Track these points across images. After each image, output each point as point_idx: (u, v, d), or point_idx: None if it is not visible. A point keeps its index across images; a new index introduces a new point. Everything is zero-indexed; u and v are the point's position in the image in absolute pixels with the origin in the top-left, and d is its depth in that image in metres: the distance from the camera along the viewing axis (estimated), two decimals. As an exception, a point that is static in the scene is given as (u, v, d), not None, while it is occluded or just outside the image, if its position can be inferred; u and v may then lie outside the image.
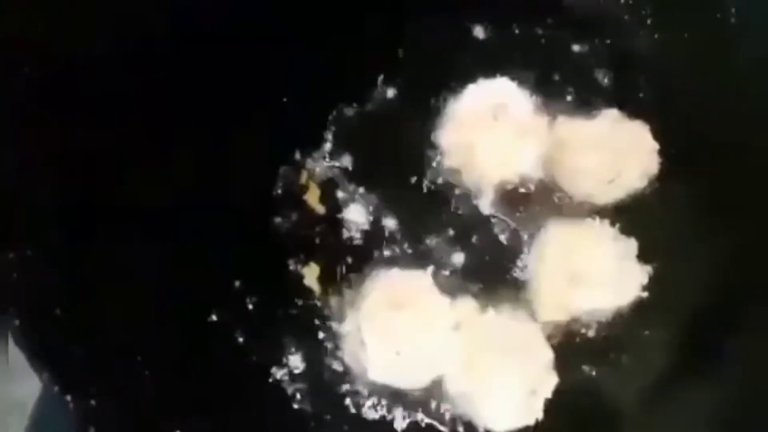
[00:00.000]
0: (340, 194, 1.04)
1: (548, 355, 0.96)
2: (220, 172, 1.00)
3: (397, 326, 0.94)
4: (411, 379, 0.95)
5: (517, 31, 1.11)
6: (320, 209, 1.03)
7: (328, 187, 1.04)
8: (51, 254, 0.80)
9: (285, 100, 1.06)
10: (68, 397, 0.73)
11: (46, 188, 0.83)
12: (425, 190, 1.04)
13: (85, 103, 0.87)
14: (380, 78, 1.08)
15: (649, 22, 1.09)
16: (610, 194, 1.03)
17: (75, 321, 0.78)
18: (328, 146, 1.06)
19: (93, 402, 0.74)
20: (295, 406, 0.96)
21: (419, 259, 1.01)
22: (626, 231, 1.01)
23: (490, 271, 1.01)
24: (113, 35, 0.90)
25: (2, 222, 0.77)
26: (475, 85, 1.06)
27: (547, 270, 0.99)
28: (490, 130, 1.03)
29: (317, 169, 1.05)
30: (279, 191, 1.03)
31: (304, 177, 1.04)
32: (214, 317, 0.96)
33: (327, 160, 1.05)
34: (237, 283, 0.98)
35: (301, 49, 1.04)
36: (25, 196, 0.80)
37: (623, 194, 1.03)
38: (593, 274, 0.98)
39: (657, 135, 1.03)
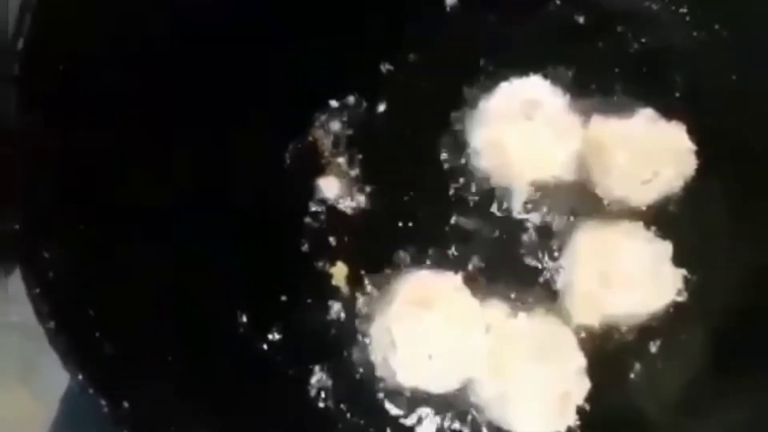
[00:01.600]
0: (364, 194, 1.03)
1: (580, 359, 0.94)
2: (219, 171, 1.00)
3: (427, 328, 0.93)
4: (440, 382, 0.94)
5: (549, 29, 1.09)
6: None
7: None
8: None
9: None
10: (102, 400, 0.72)
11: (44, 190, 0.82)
12: (455, 191, 1.03)
13: (85, 103, 0.86)
14: (405, 75, 1.07)
15: (687, 19, 1.07)
16: (645, 195, 1.01)
17: (110, 320, 0.77)
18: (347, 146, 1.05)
19: (126, 404, 0.73)
20: (321, 407, 0.95)
21: (449, 259, 1.00)
22: (661, 233, 0.99)
23: (522, 273, 1.00)
24: (113, 35, 0.89)
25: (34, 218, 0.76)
26: (508, 83, 1.04)
27: (580, 272, 0.97)
28: (523, 130, 1.01)
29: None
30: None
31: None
32: (243, 319, 0.95)
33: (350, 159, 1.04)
34: (265, 284, 0.97)
35: (307, 47, 1.04)
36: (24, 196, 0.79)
37: (658, 195, 1.01)
38: (627, 277, 0.96)
39: (693, 135, 1.01)
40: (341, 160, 1.03)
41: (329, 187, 1.03)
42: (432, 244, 1.00)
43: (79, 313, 0.76)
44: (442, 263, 0.99)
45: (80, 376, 0.73)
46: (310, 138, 1.04)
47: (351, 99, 1.05)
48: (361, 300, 0.98)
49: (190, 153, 0.96)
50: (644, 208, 1.01)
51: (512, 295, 0.98)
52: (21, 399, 0.99)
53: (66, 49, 0.82)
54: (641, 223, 0.99)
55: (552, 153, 1.02)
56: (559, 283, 0.99)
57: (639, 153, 1.00)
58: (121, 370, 0.76)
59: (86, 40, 0.85)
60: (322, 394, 0.95)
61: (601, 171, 1.01)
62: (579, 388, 0.93)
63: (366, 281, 0.99)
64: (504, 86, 1.04)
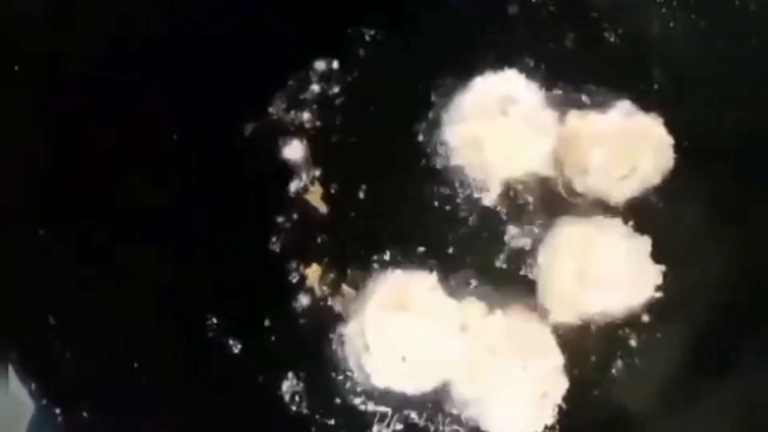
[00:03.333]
0: (342, 193, 1.01)
1: (558, 357, 0.92)
2: (219, 171, 0.99)
3: (401, 329, 0.91)
4: (415, 383, 0.92)
5: (524, 22, 1.07)
6: (322, 208, 1.00)
7: (330, 186, 1.01)
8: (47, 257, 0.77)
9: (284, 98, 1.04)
10: (57, 410, 0.70)
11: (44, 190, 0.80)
12: (430, 188, 1.01)
13: (85, 103, 0.86)
14: (381, 72, 1.05)
15: (663, 11, 1.06)
16: (623, 191, 1.00)
17: (67, 329, 0.75)
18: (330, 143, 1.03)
19: (85, 414, 0.71)
20: (295, 410, 0.93)
21: (424, 259, 0.98)
22: (639, 229, 0.97)
23: (498, 271, 0.98)
24: (113, 35, 0.88)
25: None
26: (483, 77, 1.03)
27: (558, 269, 0.96)
28: (498, 125, 1.00)
29: (319, 168, 1.02)
30: (280, 190, 1.00)
31: (306, 177, 1.01)
32: (213, 320, 0.93)
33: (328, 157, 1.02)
34: (237, 286, 0.96)
35: (299, 47, 1.03)
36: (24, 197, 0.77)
37: (636, 191, 1.00)
38: (605, 273, 0.94)
39: (671, 128, 0.99)
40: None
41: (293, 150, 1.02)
42: (406, 243, 0.99)
43: (37, 320, 0.74)
44: (417, 263, 0.98)
45: (32, 386, 0.70)
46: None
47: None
48: (334, 301, 0.96)
49: (189, 153, 0.96)
50: (622, 204, 1.00)
51: (489, 293, 0.96)
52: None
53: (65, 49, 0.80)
54: (619, 219, 0.98)
55: (528, 149, 1.01)
56: (536, 280, 0.97)
57: (616, 148, 0.99)
58: (82, 378, 0.74)
59: (86, 40, 0.86)
60: (296, 398, 0.93)
61: (578, 166, 1.00)
62: (557, 386, 0.92)
63: (340, 282, 0.97)
64: (479, 81, 1.03)
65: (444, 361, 0.92)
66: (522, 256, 0.98)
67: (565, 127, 1.01)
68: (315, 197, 1.01)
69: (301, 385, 0.93)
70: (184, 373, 0.88)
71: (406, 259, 0.98)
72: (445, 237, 0.99)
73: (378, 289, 0.94)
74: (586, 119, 1.01)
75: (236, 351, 0.94)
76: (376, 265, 0.98)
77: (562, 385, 0.92)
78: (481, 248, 0.99)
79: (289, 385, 0.93)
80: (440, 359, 0.92)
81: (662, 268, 0.95)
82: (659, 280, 0.95)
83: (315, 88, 1.05)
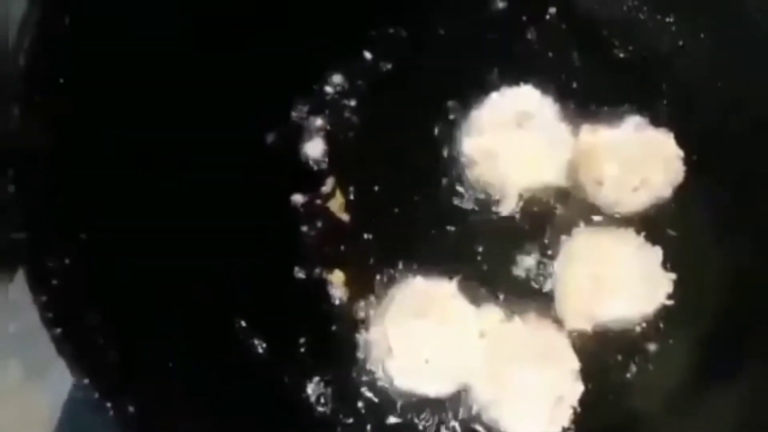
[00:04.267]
0: (363, 202, 1.04)
1: (574, 363, 0.95)
2: (243, 180, 1.02)
3: (423, 334, 0.94)
4: (437, 386, 0.95)
5: (539, 40, 1.11)
6: (345, 217, 1.03)
7: (351, 196, 1.04)
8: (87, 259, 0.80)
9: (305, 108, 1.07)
10: (108, 404, 0.73)
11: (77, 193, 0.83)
12: (448, 198, 1.04)
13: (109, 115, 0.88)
14: (398, 86, 1.09)
15: (673, 29, 1.09)
16: (635, 202, 1.03)
17: (110, 326, 0.78)
18: (351, 154, 1.06)
19: (131, 408, 0.74)
20: (320, 411, 0.96)
21: (444, 266, 1.01)
22: (651, 239, 1.00)
23: (515, 279, 1.01)
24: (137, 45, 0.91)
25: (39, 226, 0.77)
26: (499, 93, 1.06)
27: (572, 279, 0.99)
28: (515, 138, 1.03)
29: (340, 177, 1.05)
30: (303, 199, 1.03)
31: (329, 185, 1.04)
32: (242, 323, 0.96)
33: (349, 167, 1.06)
34: (263, 291, 0.99)
35: (319, 59, 1.07)
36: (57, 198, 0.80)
37: (648, 202, 1.03)
38: (619, 282, 0.98)
39: (681, 142, 1.03)
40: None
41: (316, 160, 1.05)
42: (426, 252, 1.02)
43: (84, 320, 0.77)
44: (437, 270, 1.00)
45: (87, 381, 0.73)
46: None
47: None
48: (358, 306, 0.99)
49: (211, 161, 0.98)
50: (634, 215, 1.03)
51: (506, 301, 0.99)
52: (24, 405, 1.00)
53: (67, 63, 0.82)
54: (632, 229, 1.01)
55: (543, 161, 1.04)
56: (552, 289, 1.00)
57: (628, 161, 1.02)
58: (125, 375, 0.77)
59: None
60: (321, 400, 0.96)
61: (592, 179, 1.03)
62: (573, 390, 0.94)
63: (363, 288, 1.00)
64: (495, 96, 1.06)
65: (464, 365, 0.95)
66: (538, 265, 1.01)
67: (579, 140, 1.04)
68: (337, 206, 1.03)
69: (326, 388, 0.96)
70: (213, 373, 0.90)
71: (426, 267, 1.01)
72: (463, 246, 1.03)
73: (400, 296, 0.98)
74: (598, 133, 1.04)
75: (262, 353, 0.97)
76: (397, 273, 1.00)
77: (577, 389, 0.94)
78: (498, 257, 1.02)
79: (314, 387, 0.96)
80: (460, 363, 0.95)
81: (673, 276, 0.98)
82: (670, 289, 0.98)
83: (335, 99, 1.08)
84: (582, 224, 1.03)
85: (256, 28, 1.04)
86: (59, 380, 0.99)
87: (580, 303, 0.98)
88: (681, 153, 1.03)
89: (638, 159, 1.03)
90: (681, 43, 1.09)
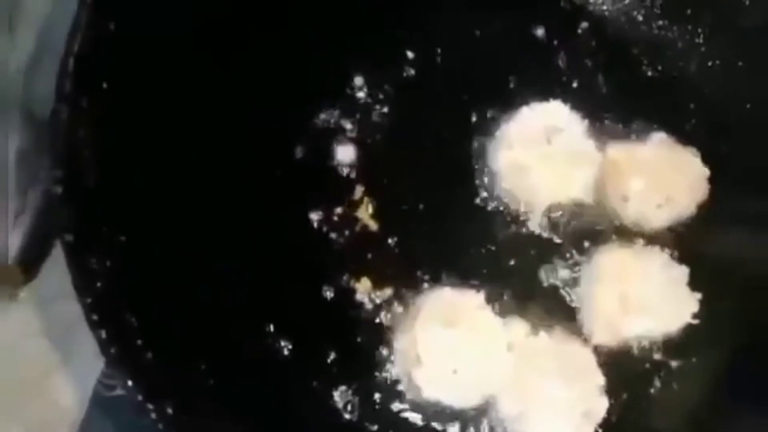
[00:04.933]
0: (391, 211, 1.05)
1: (599, 379, 0.96)
2: (271, 189, 1.03)
3: (452, 344, 0.95)
4: (464, 397, 0.96)
5: (568, 56, 1.12)
6: (373, 225, 1.04)
7: (380, 204, 1.05)
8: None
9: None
10: (150, 406, 0.74)
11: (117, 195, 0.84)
12: (478, 210, 1.05)
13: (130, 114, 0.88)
14: (430, 97, 1.10)
15: (702, 49, 1.10)
16: (660, 219, 1.04)
17: (147, 328, 0.79)
18: (380, 164, 1.07)
19: (170, 410, 0.75)
20: (346, 419, 0.96)
21: (471, 278, 1.02)
22: (677, 257, 1.01)
23: (542, 293, 1.02)
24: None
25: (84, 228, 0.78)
26: (529, 107, 1.07)
27: (599, 294, 1.00)
28: (544, 153, 1.04)
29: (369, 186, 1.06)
30: (332, 207, 1.04)
31: (357, 192, 1.05)
32: (271, 328, 0.97)
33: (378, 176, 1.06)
34: (292, 298, 1.00)
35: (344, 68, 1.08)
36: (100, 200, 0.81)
37: (672, 220, 1.04)
38: (645, 299, 0.99)
39: (708, 162, 1.04)
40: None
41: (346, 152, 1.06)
42: (454, 261, 1.02)
43: (125, 322, 0.77)
44: (465, 281, 1.01)
45: (130, 383, 0.74)
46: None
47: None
48: (385, 315, 1.00)
49: (222, 166, 0.98)
50: (659, 232, 1.04)
51: (533, 315, 1.00)
52: (48, 402, 1.00)
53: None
54: (657, 247, 1.02)
55: (571, 176, 1.05)
56: (578, 304, 1.01)
57: (653, 178, 1.03)
58: (164, 377, 0.77)
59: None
60: (348, 407, 0.96)
61: (618, 195, 1.04)
62: (598, 406, 0.95)
63: (390, 297, 1.00)
64: (525, 110, 1.07)
65: (491, 377, 0.96)
66: (564, 280, 1.02)
67: (606, 156, 1.05)
68: (366, 214, 1.04)
69: (353, 395, 0.97)
70: (243, 376, 0.91)
71: (453, 278, 1.02)
72: (491, 257, 1.03)
73: (428, 305, 0.98)
74: (625, 150, 1.06)
75: (290, 358, 0.98)
76: (424, 283, 1.01)
77: (602, 404, 0.95)
78: (525, 271, 1.03)
79: (340, 394, 0.97)
80: (487, 375, 0.96)
81: (699, 296, 0.99)
82: (696, 308, 0.99)
83: (366, 105, 1.09)
84: (608, 240, 1.04)
85: (292, 31, 1.05)
86: (84, 376, 1.00)
87: (607, 319, 0.99)
88: (707, 172, 1.04)
89: (664, 176, 1.04)
90: (710, 63, 1.10)
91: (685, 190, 1.04)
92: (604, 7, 1.13)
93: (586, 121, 1.07)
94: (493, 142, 1.07)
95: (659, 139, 1.06)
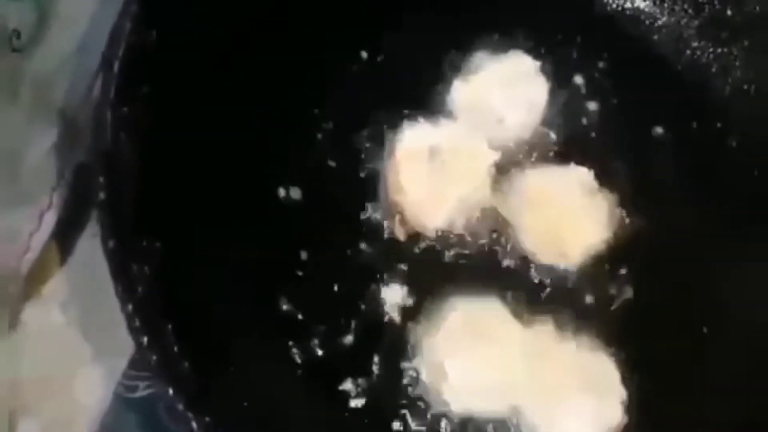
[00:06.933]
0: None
1: (621, 392, 0.97)
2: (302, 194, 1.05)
3: (477, 355, 0.96)
4: (489, 408, 0.96)
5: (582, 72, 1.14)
6: (401, 235, 1.05)
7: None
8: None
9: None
10: (190, 414, 0.75)
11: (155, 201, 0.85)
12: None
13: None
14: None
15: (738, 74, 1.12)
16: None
17: (183, 335, 0.80)
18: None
19: (208, 419, 0.76)
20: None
21: (495, 289, 1.02)
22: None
23: (563, 304, 1.03)
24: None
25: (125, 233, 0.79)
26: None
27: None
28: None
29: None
30: (364, 217, 1.05)
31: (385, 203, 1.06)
32: (307, 339, 0.99)
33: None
34: (317, 309, 1.01)
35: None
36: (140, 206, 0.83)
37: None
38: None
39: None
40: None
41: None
42: (479, 274, 1.03)
43: (164, 329, 0.78)
44: (489, 292, 1.02)
45: (170, 391, 0.75)
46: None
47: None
48: (411, 326, 1.00)
49: (256, 171, 1.00)
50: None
51: (558, 323, 1.01)
52: (69, 399, 1.01)
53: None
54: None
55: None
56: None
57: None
58: (200, 385, 0.78)
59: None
60: (365, 421, 0.97)
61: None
62: (619, 420, 0.96)
63: (416, 306, 1.01)
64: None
65: (514, 388, 0.97)
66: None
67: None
68: (395, 223, 1.05)
69: (377, 403, 0.97)
70: (271, 380, 0.92)
71: (478, 289, 1.02)
72: (514, 267, 1.04)
73: (451, 315, 0.99)
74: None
75: (312, 371, 0.98)
76: (449, 294, 1.02)
77: (623, 420, 0.96)
78: (546, 285, 1.04)
79: (364, 404, 0.97)
80: (511, 387, 0.97)
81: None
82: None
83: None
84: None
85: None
86: (105, 377, 1.01)
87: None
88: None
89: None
90: (745, 86, 1.11)
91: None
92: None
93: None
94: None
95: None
